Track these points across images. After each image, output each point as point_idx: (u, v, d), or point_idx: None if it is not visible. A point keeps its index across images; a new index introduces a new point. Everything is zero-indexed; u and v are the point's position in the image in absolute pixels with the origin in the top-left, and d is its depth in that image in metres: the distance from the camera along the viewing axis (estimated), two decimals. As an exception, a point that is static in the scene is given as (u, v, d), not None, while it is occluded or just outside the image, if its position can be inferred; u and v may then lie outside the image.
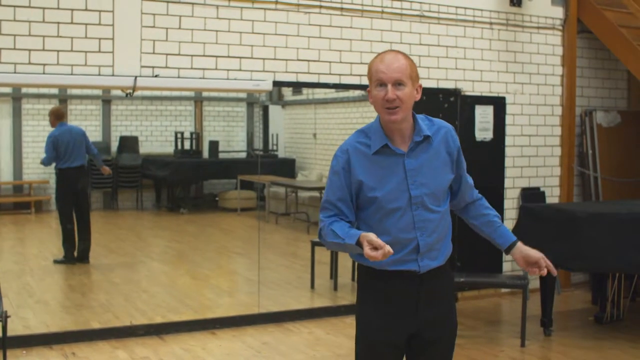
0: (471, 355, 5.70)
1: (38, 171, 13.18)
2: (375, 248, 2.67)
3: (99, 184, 13.42)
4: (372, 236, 2.71)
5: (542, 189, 7.85)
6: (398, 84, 2.84)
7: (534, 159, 7.82)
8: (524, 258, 3.01)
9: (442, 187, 2.96)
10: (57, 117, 8.82)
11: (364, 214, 2.95)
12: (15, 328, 5.74)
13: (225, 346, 5.90)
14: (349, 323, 6.50)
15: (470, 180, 3.12)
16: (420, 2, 7.07)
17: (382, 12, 6.88)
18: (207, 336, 6.13)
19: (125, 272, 8.76)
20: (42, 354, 5.61)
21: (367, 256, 2.70)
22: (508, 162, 7.63)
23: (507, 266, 7.60)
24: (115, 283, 8.11)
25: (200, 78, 6.16)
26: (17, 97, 13.18)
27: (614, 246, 5.81)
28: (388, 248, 2.67)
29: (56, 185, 8.84)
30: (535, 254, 3.01)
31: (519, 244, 3.05)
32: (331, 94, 12.94)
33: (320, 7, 6.61)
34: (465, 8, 7.29)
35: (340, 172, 2.91)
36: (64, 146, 8.60)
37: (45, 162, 8.73)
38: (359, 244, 2.75)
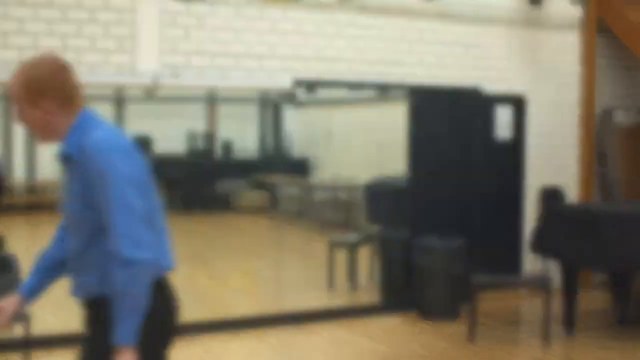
0: (494, 355, 5.66)
1: (52, 171, 13.20)
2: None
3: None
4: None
5: (561, 189, 7.79)
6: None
7: (553, 158, 7.77)
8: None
9: (75, 216, 2.54)
10: None
11: None
12: (36, 329, 5.71)
13: (247, 347, 5.87)
14: (369, 324, 6.47)
15: (115, 229, 2.41)
16: (440, 1, 7.02)
17: (403, 10, 6.84)
18: (228, 337, 6.11)
19: (141, 272, 8.72)
20: (65, 356, 5.58)
21: None
22: (527, 161, 7.58)
23: (526, 266, 7.56)
24: (133, 283, 8.07)
25: (220, 77, 6.14)
26: (30, 97, 13.18)
27: (637, 246, 5.76)
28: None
29: None
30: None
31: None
32: (345, 93, 12.87)
33: (341, 5, 6.57)
34: (485, 7, 7.24)
35: None
36: None
37: None
38: None
